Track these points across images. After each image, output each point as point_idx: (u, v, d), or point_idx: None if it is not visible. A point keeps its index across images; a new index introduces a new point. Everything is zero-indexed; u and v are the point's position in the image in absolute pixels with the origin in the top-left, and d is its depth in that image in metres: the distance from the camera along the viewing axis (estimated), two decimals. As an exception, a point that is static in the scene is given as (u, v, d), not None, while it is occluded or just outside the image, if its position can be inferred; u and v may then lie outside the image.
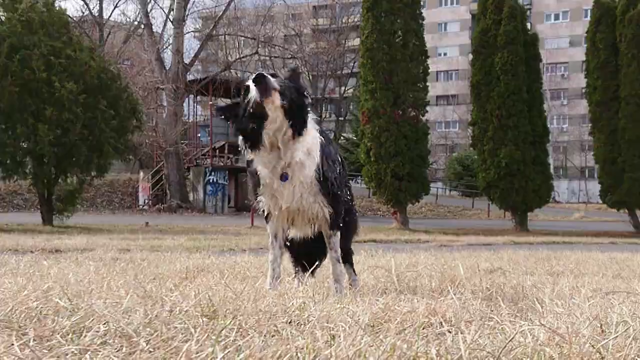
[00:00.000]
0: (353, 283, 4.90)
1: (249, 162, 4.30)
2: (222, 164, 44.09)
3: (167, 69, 45.95)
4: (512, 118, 31.68)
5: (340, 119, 64.20)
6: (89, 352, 2.37)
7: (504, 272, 7.04)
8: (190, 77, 48.39)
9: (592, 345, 2.51)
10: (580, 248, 14.10)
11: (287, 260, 5.07)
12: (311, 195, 4.27)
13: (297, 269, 4.94)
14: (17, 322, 2.80)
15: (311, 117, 4.24)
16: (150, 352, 2.38)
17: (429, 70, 32.50)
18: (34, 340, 2.50)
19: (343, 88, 58.05)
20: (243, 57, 51.54)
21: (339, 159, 4.60)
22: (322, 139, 4.32)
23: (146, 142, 40.46)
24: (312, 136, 4.22)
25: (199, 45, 51.95)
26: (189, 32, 53.77)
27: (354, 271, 5.01)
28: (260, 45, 50.89)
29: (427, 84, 32.20)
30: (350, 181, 5.11)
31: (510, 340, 2.53)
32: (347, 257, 4.86)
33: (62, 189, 24.98)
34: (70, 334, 2.64)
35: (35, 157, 23.45)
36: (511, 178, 31.68)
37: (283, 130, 4.05)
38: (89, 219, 28.08)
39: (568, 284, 5.38)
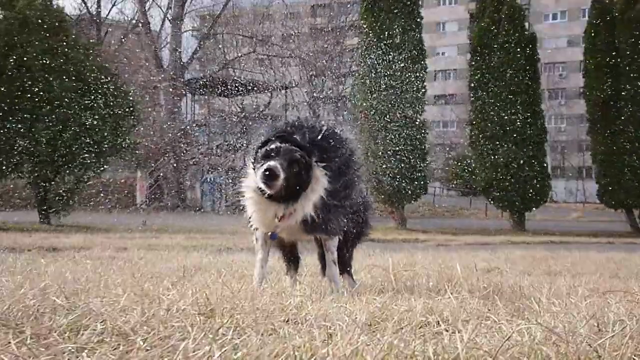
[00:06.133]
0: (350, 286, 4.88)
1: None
2: (219, 162, 44.07)
3: (165, 67, 45.97)
4: (510, 118, 31.70)
5: (338, 118, 64.16)
6: (86, 351, 2.37)
7: (501, 271, 7.05)
8: (188, 75, 48.39)
9: (589, 344, 2.51)
10: (577, 248, 14.11)
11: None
12: (306, 231, 4.32)
13: (288, 266, 4.92)
14: (14, 320, 2.80)
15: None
16: (147, 350, 2.37)
17: (427, 70, 32.52)
18: (31, 338, 2.49)
19: (341, 87, 58.03)
20: (241, 56, 51.52)
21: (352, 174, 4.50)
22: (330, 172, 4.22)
23: (143, 141, 40.42)
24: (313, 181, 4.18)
25: (196, 44, 51.98)
26: (186, 31, 53.80)
27: (353, 280, 4.95)
28: (258, 44, 50.90)
29: (425, 83, 32.22)
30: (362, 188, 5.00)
31: (507, 339, 2.53)
32: (344, 267, 4.82)
33: (59, 187, 24.94)
34: (67, 332, 2.63)
35: (32, 155, 23.41)
36: (509, 178, 31.71)
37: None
38: (86, 217, 28.01)
39: (565, 283, 5.38)
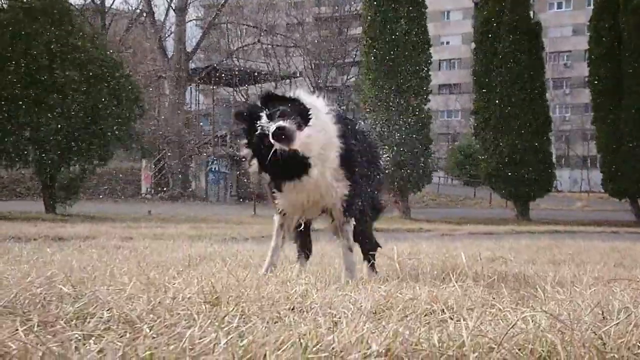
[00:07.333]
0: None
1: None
2: (224, 152, 44.10)
3: (169, 57, 45.95)
4: (515, 107, 31.62)
5: (342, 108, 64.14)
6: (93, 338, 2.38)
7: (506, 260, 7.05)
8: (192, 65, 48.35)
9: (594, 332, 2.51)
10: (582, 237, 14.11)
11: (289, 248, 5.09)
12: (330, 184, 4.25)
13: (300, 254, 4.93)
14: (22, 308, 2.82)
15: (324, 112, 4.21)
16: (154, 337, 2.39)
17: (432, 59, 32.43)
18: (38, 325, 2.51)
19: (345, 77, 58.07)
20: (245, 45, 51.45)
21: (369, 147, 4.65)
22: (343, 128, 4.26)
23: (148, 131, 40.46)
24: (326, 130, 4.14)
25: (201, 34, 51.89)
26: (191, 20, 53.74)
27: (374, 270, 4.95)
28: (262, 34, 50.80)
29: (430, 72, 32.15)
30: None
31: (512, 326, 2.53)
32: (367, 253, 4.89)
33: (65, 177, 24.99)
34: (74, 320, 2.65)
35: (38, 145, 23.45)
36: (513, 167, 31.67)
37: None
38: (91, 207, 28.10)
39: (570, 272, 5.38)
